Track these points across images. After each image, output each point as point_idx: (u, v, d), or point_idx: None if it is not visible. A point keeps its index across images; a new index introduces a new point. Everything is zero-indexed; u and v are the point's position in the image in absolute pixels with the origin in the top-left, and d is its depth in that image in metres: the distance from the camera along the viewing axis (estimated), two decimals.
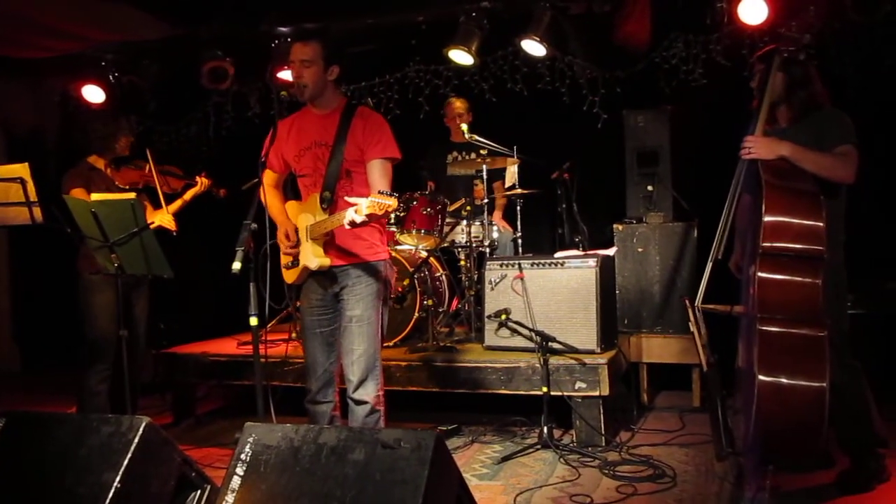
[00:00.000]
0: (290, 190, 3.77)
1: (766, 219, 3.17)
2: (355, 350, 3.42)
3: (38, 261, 4.67)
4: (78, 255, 4.49)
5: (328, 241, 3.43)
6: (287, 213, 3.57)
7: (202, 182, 4.84)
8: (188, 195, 4.84)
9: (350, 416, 3.51)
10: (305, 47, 3.39)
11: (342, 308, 3.48)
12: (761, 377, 3.04)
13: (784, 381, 3.04)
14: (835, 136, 3.37)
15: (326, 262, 3.42)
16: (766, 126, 3.46)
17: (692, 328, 3.66)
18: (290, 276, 3.57)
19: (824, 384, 3.00)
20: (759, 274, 3.15)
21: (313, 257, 3.41)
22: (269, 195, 3.50)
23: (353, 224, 3.11)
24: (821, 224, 3.13)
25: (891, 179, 3.33)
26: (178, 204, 4.79)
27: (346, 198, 3.20)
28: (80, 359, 4.48)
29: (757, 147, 3.35)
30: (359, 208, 3.06)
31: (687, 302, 3.69)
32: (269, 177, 3.63)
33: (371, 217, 3.06)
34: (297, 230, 3.51)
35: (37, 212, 4.03)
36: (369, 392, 3.44)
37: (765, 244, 3.17)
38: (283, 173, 3.68)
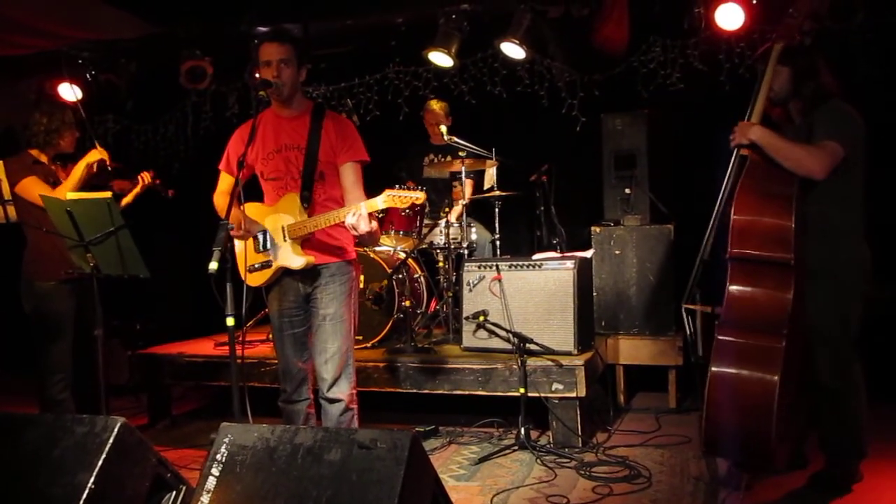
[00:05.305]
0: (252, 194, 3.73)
1: (733, 219, 3.19)
2: (329, 348, 3.42)
3: (5, 262, 4.57)
4: (25, 261, 4.37)
5: (306, 241, 3.42)
6: (245, 214, 3.46)
7: (142, 179, 4.73)
8: (130, 196, 4.73)
9: (323, 415, 3.50)
10: (282, 46, 3.39)
11: (314, 307, 3.48)
12: (711, 378, 3.10)
13: (732, 386, 3.08)
14: (822, 131, 3.27)
15: (311, 259, 3.40)
16: (785, 126, 3.44)
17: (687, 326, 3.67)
18: (255, 280, 3.50)
19: (773, 392, 3.02)
20: (727, 280, 3.19)
21: (295, 256, 3.39)
22: (224, 201, 3.44)
23: (359, 219, 3.12)
24: (789, 227, 3.14)
25: (869, 184, 3.39)
26: (123, 201, 4.66)
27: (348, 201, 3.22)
28: (38, 368, 4.37)
29: (736, 132, 3.36)
30: (372, 202, 3.12)
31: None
32: (225, 182, 3.58)
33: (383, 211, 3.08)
34: (264, 230, 3.48)
35: (10, 210, 3.99)
36: (343, 390, 3.45)
37: (733, 250, 3.19)
38: (243, 178, 3.63)
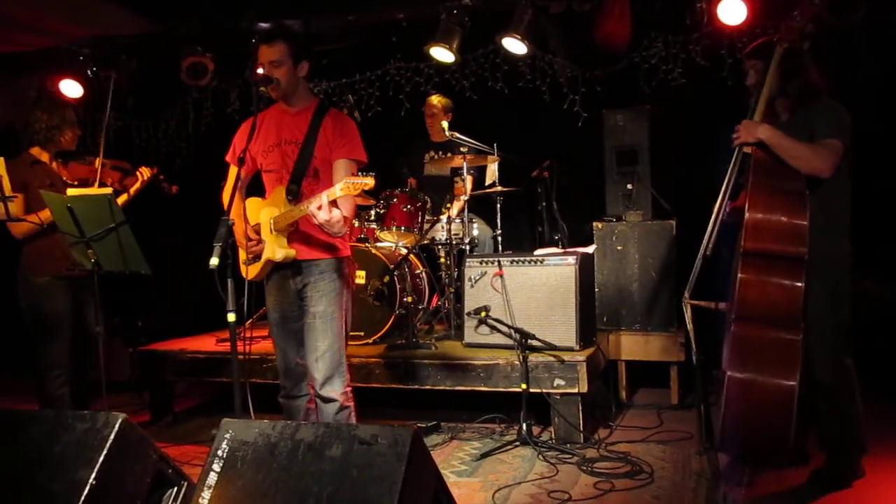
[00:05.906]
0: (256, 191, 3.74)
1: (748, 216, 3.19)
2: (319, 347, 3.39)
3: (4, 261, 4.56)
4: (23, 257, 4.35)
5: (292, 234, 3.41)
6: (245, 212, 3.50)
7: (141, 175, 4.68)
8: (132, 190, 4.67)
9: (319, 414, 3.48)
10: (272, 48, 3.37)
11: (305, 305, 3.46)
12: (730, 374, 3.08)
13: (752, 381, 3.07)
14: (824, 130, 3.30)
15: (292, 252, 3.39)
16: (766, 119, 3.46)
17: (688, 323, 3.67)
18: (250, 273, 3.48)
19: (793, 386, 3.02)
20: (740, 275, 3.18)
21: (278, 249, 3.38)
22: (231, 193, 3.47)
23: (320, 208, 3.08)
24: (803, 223, 3.14)
25: (865, 185, 3.40)
26: (123, 198, 4.59)
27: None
28: (35, 366, 4.36)
29: (741, 131, 3.37)
30: (331, 191, 3.06)
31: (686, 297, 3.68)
32: (234, 174, 3.59)
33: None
34: (257, 228, 3.48)
35: (11, 207, 3.98)
36: (336, 389, 3.41)
37: (746, 245, 3.18)
38: (248, 173, 3.63)
